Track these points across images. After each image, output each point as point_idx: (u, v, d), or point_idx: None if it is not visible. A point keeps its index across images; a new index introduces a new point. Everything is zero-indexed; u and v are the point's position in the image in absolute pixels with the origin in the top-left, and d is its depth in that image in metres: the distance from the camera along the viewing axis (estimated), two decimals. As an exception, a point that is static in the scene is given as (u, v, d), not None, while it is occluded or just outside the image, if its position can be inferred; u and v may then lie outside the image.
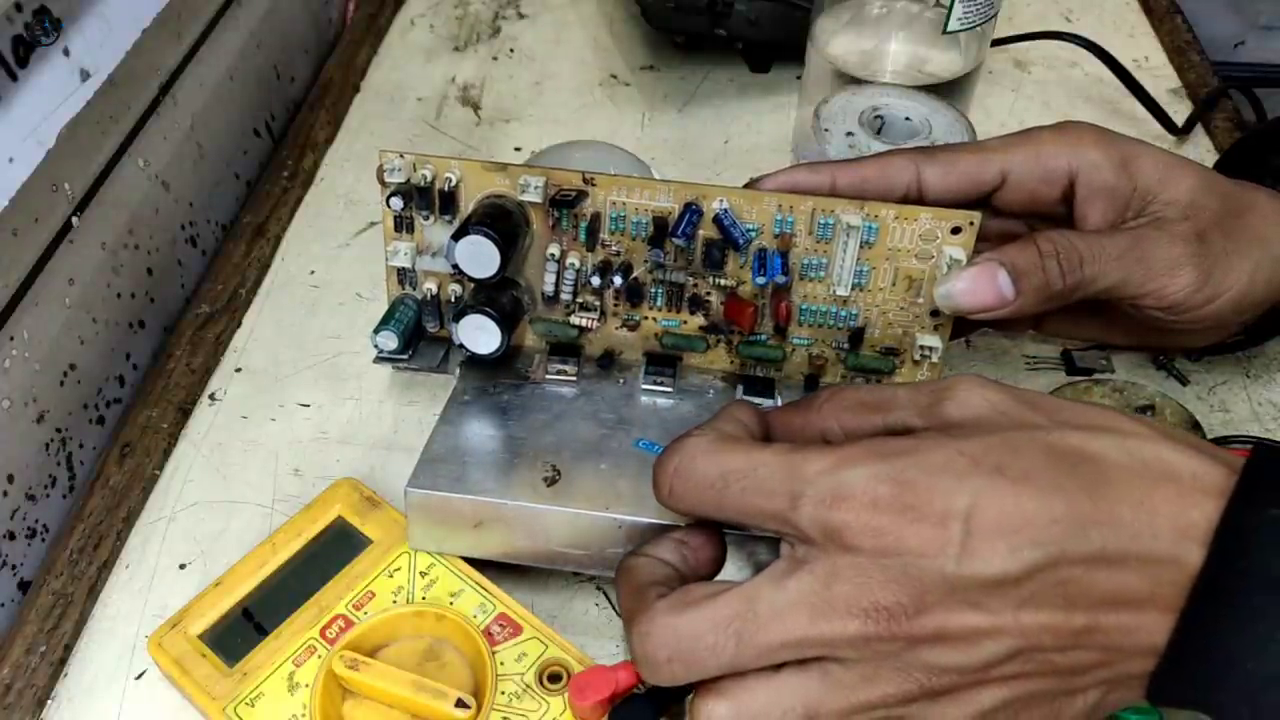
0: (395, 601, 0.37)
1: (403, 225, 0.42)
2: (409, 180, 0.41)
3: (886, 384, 0.39)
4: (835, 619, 0.28)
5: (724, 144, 0.61)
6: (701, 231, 0.40)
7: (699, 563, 0.33)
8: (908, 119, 0.50)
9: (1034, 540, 0.27)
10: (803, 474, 0.29)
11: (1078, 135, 0.40)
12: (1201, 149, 0.60)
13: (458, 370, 0.43)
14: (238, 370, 0.49)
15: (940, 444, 0.29)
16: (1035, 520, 0.28)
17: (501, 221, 0.39)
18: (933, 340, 0.41)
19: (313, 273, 0.54)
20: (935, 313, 0.41)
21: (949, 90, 0.53)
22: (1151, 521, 0.28)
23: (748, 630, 0.29)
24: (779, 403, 0.42)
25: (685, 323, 0.42)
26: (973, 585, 0.28)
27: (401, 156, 0.41)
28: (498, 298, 0.41)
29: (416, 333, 0.44)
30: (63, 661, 0.39)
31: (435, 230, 0.42)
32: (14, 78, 0.42)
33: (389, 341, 0.43)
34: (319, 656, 0.36)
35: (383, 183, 0.41)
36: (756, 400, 0.42)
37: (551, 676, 0.36)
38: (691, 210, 0.40)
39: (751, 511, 0.30)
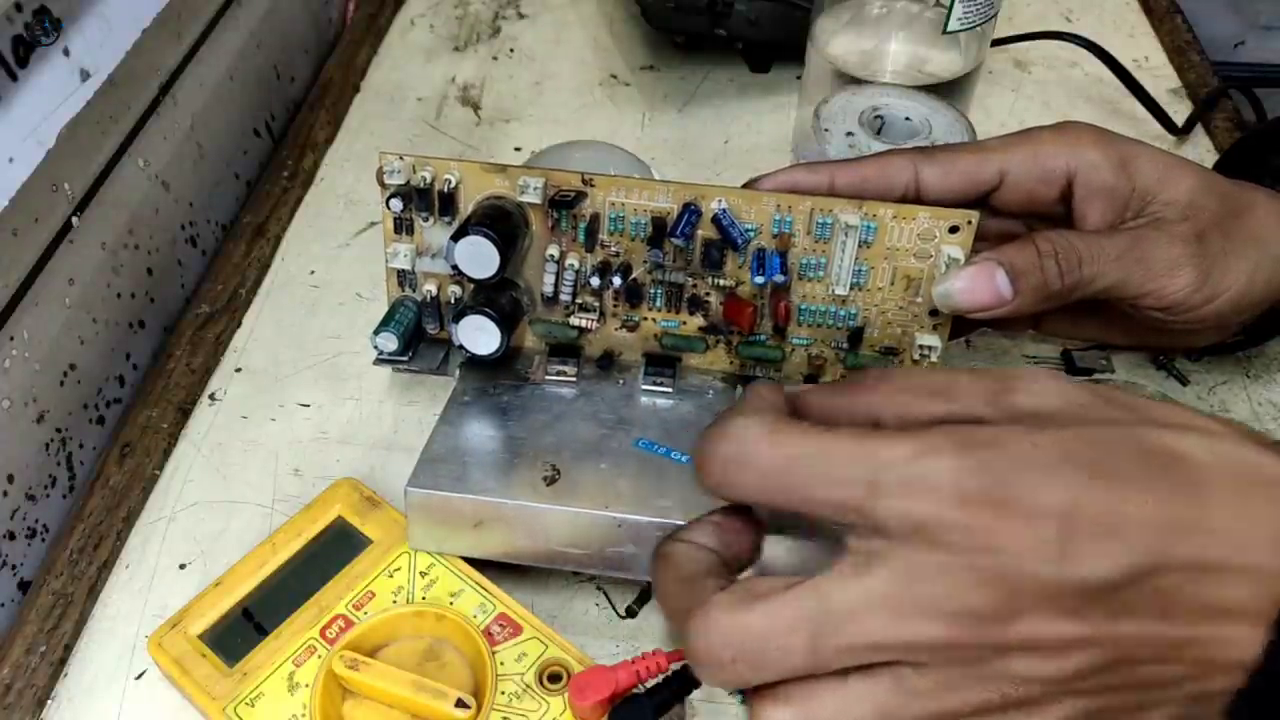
0: (395, 601, 0.38)
1: (402, 227, 0.42)
2: (409, 182, 0.41)
3: (942, 369, 0.38)
4: (918, 622, 0.26)
5: (724, 144, 0.61)
6: (700, 232, 0.40)
7: (740, 549, 0.31)
8: (908, 119, 0.50)
9: (1133, 544, 0.26)
10: (880, 461, 0.27)
11: (1076, 135, 0.40)
12: (1201, 149, 0.60)
13: (458, 372, 0.43)
14: (238, 370, 0.49)
15: (1027, 436, 0.27)
16: (1133, 522, 0.26)
17: (501, 222, 0.39)
18: (932, 340, 0.41)
19: (313, 273, 0.54)
20: (934, 312, 0.41)
21: (949, 90, 0.53)
22: (1250, 529, 0.26)
23: (823, 631, 0.27)
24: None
25: (685, 323, 0.43)
26: (1069, 591, 0.26)
27: (401, 158, 0.41)
28: (497, 298, 0.41)
29: (417, 334, 0.44)
30: (63, 661, 0.39)
31: (435, 232, 0.42)
32: (14, 78, 0.42)
33: (389, 343, 0.43)
34: (319, 656, 0.36)
35: (383, 184, 0.41)
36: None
37: (551, 676, 0.36)
38: (690, 210, 0.40)
39: (820, 501, 0.28)
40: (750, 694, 0.29)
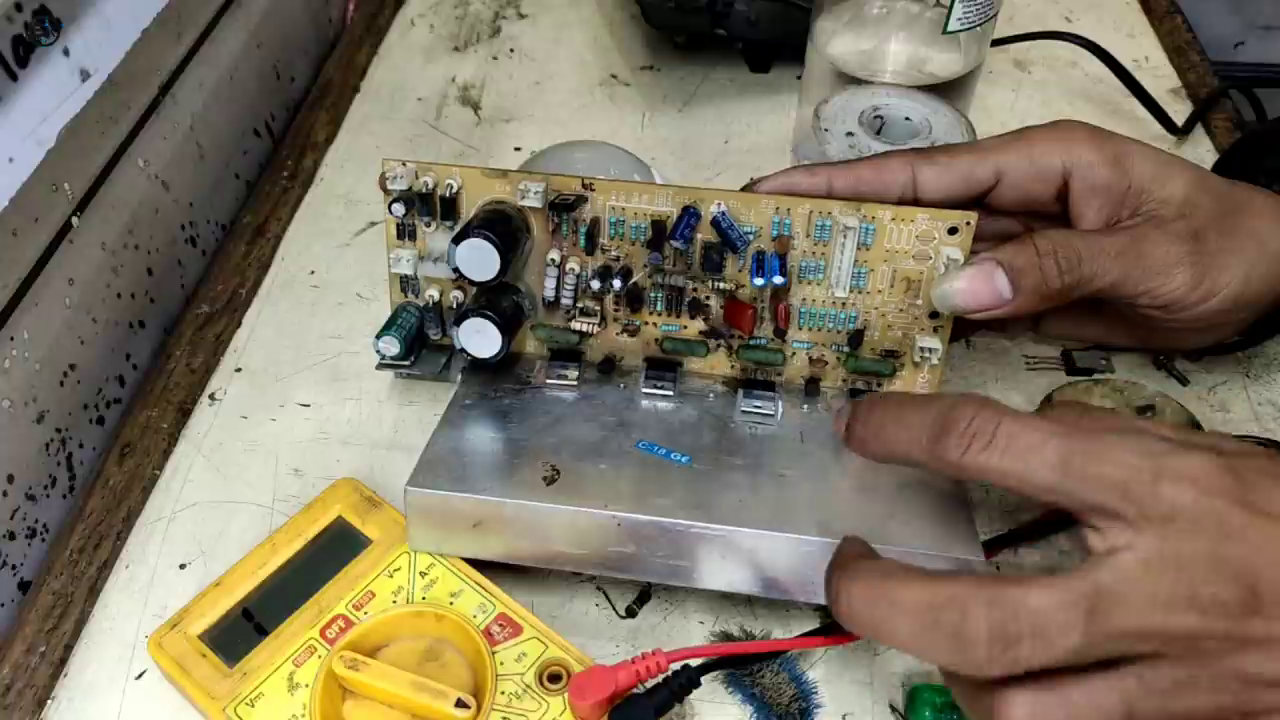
0: (395, 601, 0.38)
1: (405, 232, 0.42)
2: (411, 187, 0.41)
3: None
4: (1174, 610, 0.27)
5: (724, 144, 0.61)
6: (700, 235, 0.40)
7: None
8: (908, 119, 0.50)
9: None
10: (1150, 450, 0.29)
11: (1071, 133, 0.40)
12: (1201, 149, 0.60)
13: (459, 376, 0.43)
14: (238, 370, 0.49)
15: (1263, 452, 0.29)
16: None
17: (501, 225, 0.40)
18: (932, 342, 0.41)
19: (313, 273, 0.54)
20: (934, 314, 0.41)
21: (949, 90, 0.53)
22: None
23: (1098, 611, 0.28)
24: (780, 405, 0.42)
25: (685, 327, 0.43)
26: None
27: (404, 164, 0.41)
28: (498, 302, 0.41)
29: (419, 339, 0.44)
30: (63, 661, 0.39)
31: (437, 237, 0.42)
32: (14, 78, 0.42)
33: (391, 347, 0.43)
34: (319, 656, 0.36)
35: (385, 190, 0.41)
36: (759, 403, 0.42)
37: (551, 676, 0.36)
38: (689, 213, 0.40)
39: (1100, 483, 0.29)
40: (996, 686, 0.29)
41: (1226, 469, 0.28)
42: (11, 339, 0.43)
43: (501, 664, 0.36)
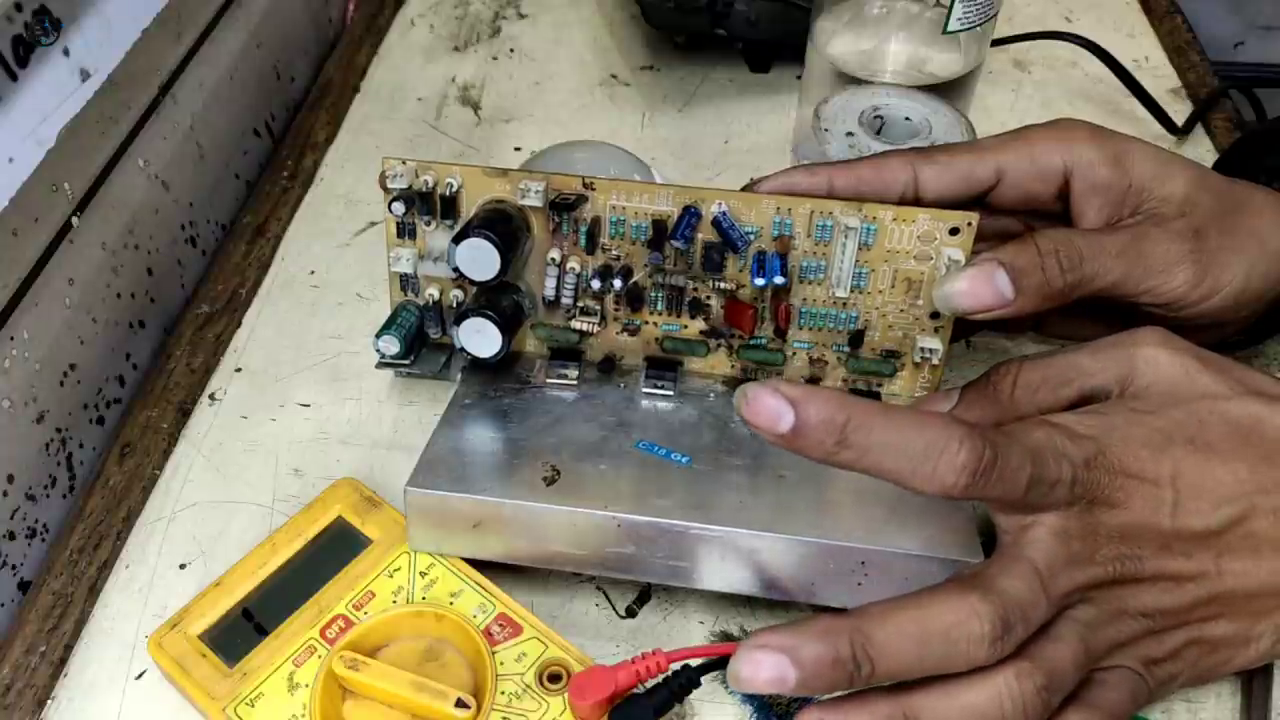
0: (395, 601, 0.38)
1: (405, 231, 0.42)
2: (411, 186, 0.41)
3: (1063, 354, 0.38)
4: (1087, 567, 0.32)
5: (724, 144, 0.61)
6: (700, 235, 0.40)
7: None
8: (908, 119, 0.50)
9: (1227, 499, 0.33)
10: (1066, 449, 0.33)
11: (1071, 132, 0.40)
12: (1201, 149, 0.60)
13: (459, 376, 0.43)
14: (238, 370, 0.49)
15: (1138, 421, 0.34)
16: (1225, 482, 0.33)
17: (502, 225, 0.40)
18: (933, 342, 0.41)
19: (313, 273, 0.54)
20: (935, 315, 0.41)
21: (949, 90, 0.53)
22: None
23: (1047, 583, 0.32)
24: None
25: (685, 327, 0.43)
26: (1184, 537, 0.33)
27: (404, 163, 0.41)
28: (498, 301, 0.41)
29: (419, 338, 0.44)
30: (63, 661, 0.39)
31: (437, 236, 0.42)
32: (14, 78, 0.42)
33: (391, 346, 0.43)
34: (319, 656, 0.36)
35: (385, 189, 0.41)
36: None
37: (551, 676, 0.36)
38: (690, 213, 0.40)
39: (1029, 482, 0.32)
40: (1006, 662, 0.31)
41: (1101, 452, 0.33)
42: (11, 339, 0.43)
43: (501, 664, 0.36)
